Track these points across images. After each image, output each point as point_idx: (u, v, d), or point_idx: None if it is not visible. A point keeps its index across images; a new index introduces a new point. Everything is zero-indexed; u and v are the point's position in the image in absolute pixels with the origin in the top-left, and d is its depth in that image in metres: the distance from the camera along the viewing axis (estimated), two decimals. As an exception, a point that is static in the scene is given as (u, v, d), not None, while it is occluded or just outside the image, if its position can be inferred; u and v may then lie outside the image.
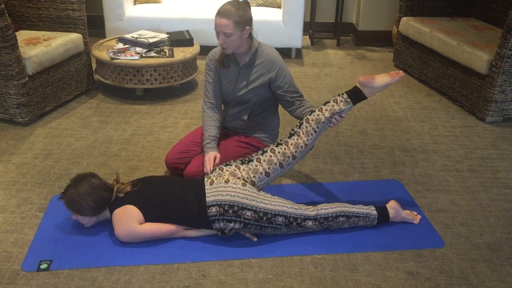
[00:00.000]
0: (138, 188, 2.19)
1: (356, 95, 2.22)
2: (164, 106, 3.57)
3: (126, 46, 3.76)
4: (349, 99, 2.21)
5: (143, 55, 3.60)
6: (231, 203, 2.07)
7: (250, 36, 2.37)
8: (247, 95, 2.44)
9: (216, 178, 2.16)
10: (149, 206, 2.13)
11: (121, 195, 2.16)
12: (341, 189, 2.58)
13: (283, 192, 2.52)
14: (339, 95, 2.24)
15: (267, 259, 2.08)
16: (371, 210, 2.25)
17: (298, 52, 4.78)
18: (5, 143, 2.98)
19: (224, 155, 2.39)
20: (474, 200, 2.52)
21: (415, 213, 2.36)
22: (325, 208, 2.20)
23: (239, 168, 2.20)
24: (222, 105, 2.61)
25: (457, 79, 3.62)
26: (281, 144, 2.25)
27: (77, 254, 2.08)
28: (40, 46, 3.23)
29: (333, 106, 2.22)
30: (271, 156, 2.23)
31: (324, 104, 2.24)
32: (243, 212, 2.07)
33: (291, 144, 2.23)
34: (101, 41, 3.90)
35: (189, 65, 3.73)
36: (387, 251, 2.13)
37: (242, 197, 2.08)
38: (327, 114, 2.22)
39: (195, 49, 3.82)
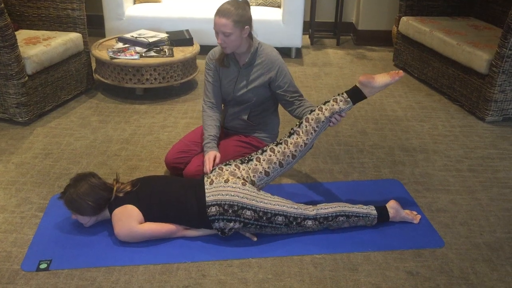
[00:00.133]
0: (138, 187, 2.19)
1: (356, 94, 2.22)
2: (164, 105, 3.57)
3: (126, 45, 3.76)
4: (349, 99, 2.21)
5: (143, 54, 3.60)
6: (231, 203, 2.07)
7: (250, 35, 2.36)
8: (247, 94, 2.44)
9: (216, 178, 2.16)
10: (148, 205, 2.13)
11: (121, 194, 2.16)
12: (341, 189, 2.58)
13: (283, 192, 2.52)
14: (339, 94, 2.24)
15: (267, 259, 2.08)
16: (371, 210, 2.25)
17: (298, 51, 4.78)
18: (4, 143, 2.98)
19: (224, 155, 2.39)
20: (474, 200, 2.52)
21: (415, 212, 2.36)
22: (325, 208, 2.20)
23: (238, 168, 2.20)
24: (222, 105, 2.61)
25: (457, 78, 3.62)
26: (281, 144, 2.25)
27: (77, 254, 2.07)
28: (40, 46, 3.23)
29: (333, 105, 2.21)
30: (270, 156, 2.23)
31: (324, 104, 2.24)
32: (243, 212, 2.07)
33: (291, 143, 2.23)
34: (101, 40, 3.90)
35: (189, 64, 3.73)
36: (387, 251, 2.13)
37: (242, 197, 2.08)
38: (327, 114, 2.21)
39: (195, 48, 3.82)
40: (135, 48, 3.68)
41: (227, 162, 2.25)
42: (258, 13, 4.49)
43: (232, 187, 2.10)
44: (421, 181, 2.68)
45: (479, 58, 3.32)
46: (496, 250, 2.16)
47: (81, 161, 2.80)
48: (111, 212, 2.15)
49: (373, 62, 4.62)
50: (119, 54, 3.55)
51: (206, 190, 2.12)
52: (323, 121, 2.22)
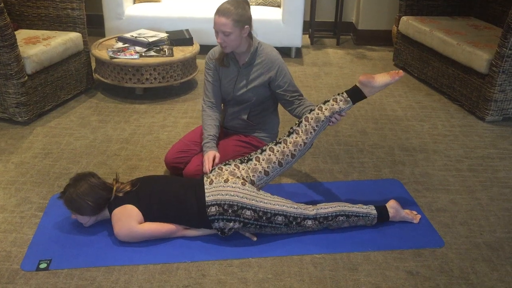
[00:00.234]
0: (138, 187, 2.19)
1: (356, 94, 2.21)
2: (163, 105, 3.57)
3: (126, 45, 3.75)
4: (349, 98, 2.21)
5: (143, 54, 3.59)
6: (231, 203, 2.06)
7: (250, 35, 2.36)
8: (247, 94, 2.43)
9: (216, 178, 2.16)
10: (148, 205, 2.13)
11: (121, 194, 2.16)
12: (341, 189, 2.58)
13: (283, 191, 2.52)
14: (339, 94, 2.24)
15: (267, 259, 2.07)
16: (371, 210, 2.25)
17: (298, 51, 4.78)
18: (4, 143, 2.98)
19: (224, 155, 2.39)
20: (474, 199, 2.52)
21: (414, 212, 2.36)
22: (325, 208, 2.20)
23: (238, 168, 2.20)
24: (222, 105, 2.61)
25: (457, 78, 3.62)
26: (280, 143, 2.25)
27: (77, 254, 2.07)
28: (40, 45, 3.23)
29: (333, 105, 2.21)
30: (270, 155, 2.23)
31: (324, 103, 2.24)
32: (243, 212, 2.07)
33: (290, 143, 2.23)
34: (101, 40, 3.90)
35: (188, 64, 3.73)
36: (386, 250, 2.13)
37: (242, 197, 2.08)
38: (326, 113, 2.21)
39: (195, 48, 3.82)
40: (135, 48, 3.68)
41: (227, 162, 2.25)
42: (258, 12, 4.49)
43: (232, 187, 2.10)
44: (421, 181, 2.67)
45: (479, 58, 3.32)
46: (496, 250, 2.15)
47: (80, 161, 2.80)
48: (110, 212, 2.15)
49: (373, 61, 4.62)
50: (119, 53, 3.55)
51: (205, 190, 2.11)
52: (322, 121, 2.22)
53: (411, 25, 4.09)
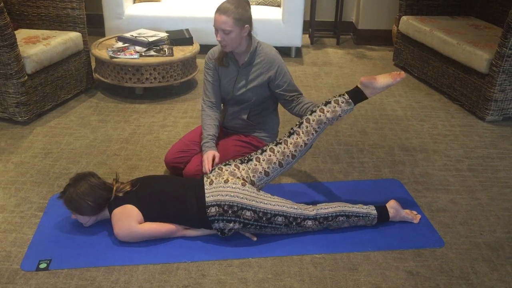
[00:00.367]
0: (138, 187, 2.19)
1: (357, 95, 2.21)
2: (163, 105, 3.57)
3: (126, 45, 3.75)
4: (350, 100, 2.20)
5: (143, 54, 3.59)
6: (231, 203, 2.06)
7: (249, 35, 2.36)
8: (246, 94, 2.43)
9: (216, 178, 2.16)
10: (148, 205, 2.13)
11: (121, 194, 2.16)
12: (341, 189, 2.58)
13: (283, 191, 2.52)
14: (340, 95, 2.23)
15: (267, 259, 2.07)
16: (371, 210, 2.25)
17: (298, 51, 4.78)
18: (4, 142, 2.98)
19: (224, 155, 2.39)
20: (474, 199, 2.52)
21: (415, 212, 2.36)
22: (325, 208, 2.20)
23: (238, 168, 2.20)
24: (222, 104, 2.61)
25: (457, 78, 3.62)
26: (281, 143, 2.25)
27: (77, 254, 2.07)
28: (40, 45, 3.23)
29: (335, 107, 2.21)
30: (270, 156, 2.22)
31: (325, 105, 2.23)
32: (243, 212, 2.07)
33: (291, 143, 2.23)
34: (101, 40, 3.90)
35: (188, 64, 3.72)
36: (387, 250, 2.13)
37: (242, 197, 2.08)
38: (328, 115, 2.21)
39: (195, 48, 3.82)
40: (134, 48, 3.67)
41: (227, 162, 2.25)
42: (258, 12, 4.48)
43: (232, 187, 2.10)
44: (421, 181, 2.67)
45: (479, 58, 3.32)
46: (496, 250, 2.15)
47: (80, 161, 2.80)
48: (110, 212, 2.15)
49: (373, 61, 4.62)
50: (118, 53, 3.55)
51: (206, 191, 2.11)
52: (325, 122, 2.22)
53: (411, 24, 4.09)
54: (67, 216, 2.28)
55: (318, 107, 2.25)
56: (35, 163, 2.77)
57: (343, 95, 2.23)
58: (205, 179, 2.18)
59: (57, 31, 3.55)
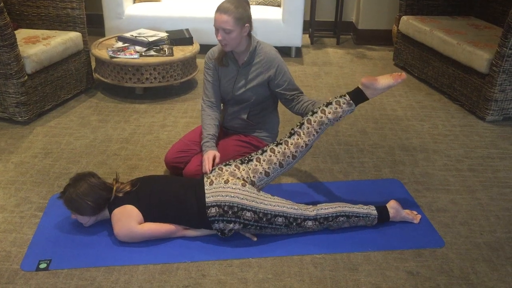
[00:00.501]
0: (138, 187, 2.19)
1: (358, 96, 2.21)
2: (163, 105, 3.56)
3: (126, 44, 3.75)
4: (351, 101, 2.20)
5: (143, 53, 3.59)
6: (231, 204, 2.06)
7: (249, 34, 2.36)
8: (246, 93, 2.43)
9: (216, 178, 2.16)
10: (148, 205, 2.13)
11: (121, 194, 2.16)
12: (341, 189, 2.57)
13: (283, 191, 2.51)
14: (341, 96, 2.23)
15: (267, 259, 2.07)
16: (371, 210, 2.25)
17: (298, 51, 4.78)
18: (4, 142, 2.97)
19: (224, 155, 2.39)
20: (474, 199, 2.52)
21: (415, 212, 2.36)
22: (325, 208, 2.20)
23: (238, 168, 2.20)
24: (222, 104, 2.61)
25: (457, 78, 3.62)
26: (281, 144, 2.25)
27: (76, 254, 2.07)
28: (39, 45, 3.22)
29: (336, 108, 2.21)
30: (270, 156, 2.22)
31: (326, 106, 2.23)
32: (243, 213, 2.07)
33: (291, 144, 2.23)
34: (101, 39, 3.89)
35: (188, 64, 3.72)
36: (387, 250, 2.13)
37: (242, 198, 2.07)
38: (330, 116, 2.21)
39: (195, 48, 3.81)
40: (134, 47, 3.67)
41: (227, 162, 2.24)
42: (258, 12, 4.48)
43: (232, 188, 2.10)
44: (421, 181, 2.67)
45: (479, 58, 3.31)
46: (496, 250, 2.15)
47: (80, 161, 2.80)
48: (110, 212, 2.15)
49: (373, 61, 4.62)
50: (118, 53, 3.55)
51: (206, 191, 2.11)
52: (326, 124, 2.22)
53: (411, 24, 4.09)
54: (67, 216, 2.27)
55: (319, 108, 2.25)
56: (35, 163, 2.76)
57: (344, 96, 2.22)
58: (205, 179, 2.18)
59: (57, 31, 3.54)
